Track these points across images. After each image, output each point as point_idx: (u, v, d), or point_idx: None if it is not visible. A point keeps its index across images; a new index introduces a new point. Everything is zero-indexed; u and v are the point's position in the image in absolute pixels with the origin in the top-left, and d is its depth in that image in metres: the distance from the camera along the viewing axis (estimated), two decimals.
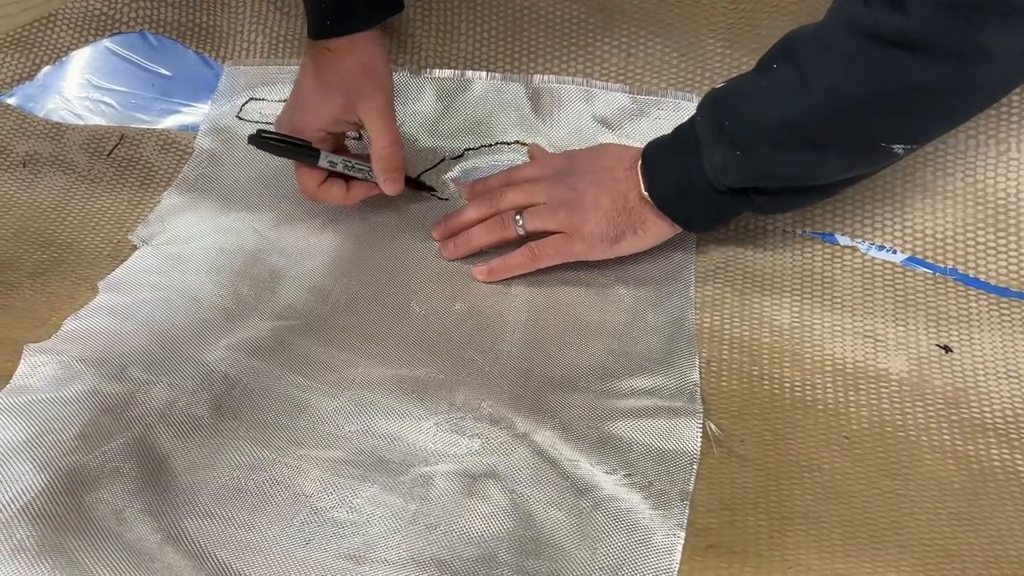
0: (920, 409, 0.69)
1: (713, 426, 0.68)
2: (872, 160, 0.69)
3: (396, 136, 0.79)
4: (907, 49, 0.60)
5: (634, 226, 0.76)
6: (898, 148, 0.65)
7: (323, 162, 0.78)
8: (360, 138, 0.89)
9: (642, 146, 0.76)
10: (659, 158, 0.74)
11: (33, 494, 0.58)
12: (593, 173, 0.77)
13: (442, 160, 0.90)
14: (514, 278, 0.80)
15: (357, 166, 0.80)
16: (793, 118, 0.66)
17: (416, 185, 0.86)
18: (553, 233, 0.77)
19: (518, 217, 0.78)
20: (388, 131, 0.78)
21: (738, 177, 0.70)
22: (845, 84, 0.63)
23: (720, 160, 0.69)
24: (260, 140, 0.76)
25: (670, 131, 0.75)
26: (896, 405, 0.70)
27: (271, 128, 0.79)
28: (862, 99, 0.63)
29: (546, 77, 0.90)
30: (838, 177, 0.70)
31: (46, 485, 0.59)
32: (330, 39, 0.77)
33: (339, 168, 0.79)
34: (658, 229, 0.76)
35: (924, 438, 0.67)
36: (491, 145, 0.90)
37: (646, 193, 0.74)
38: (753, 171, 0.69)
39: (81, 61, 0.96)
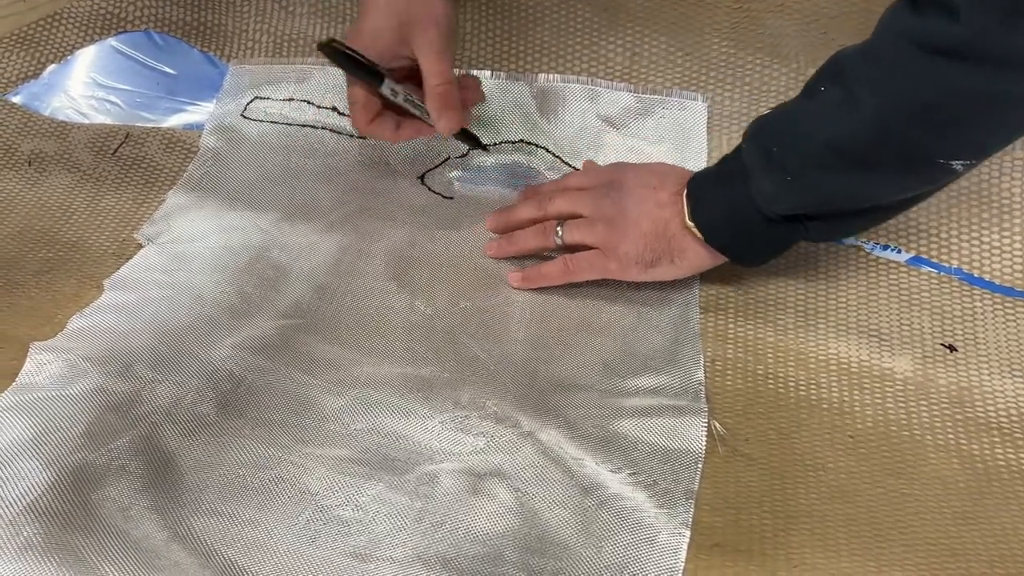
0: (925, 408, 0.69)
1: (718, 425, 0.68)
2: (930, 178, 0.65)
3: (450, 74, 0.75)
4: (963, 60, 0.57)
5: (671, 253, 0.74)
6: (957, 164, 0.62)
7: (385, 88, 0.75)
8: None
9: (691, 168, 0.76)
10: (705, 188, 0.72)
11: (39, 492, 0.58)
12: (637, 191, 0.75)
13: (447, 159, 0.90)
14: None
15: (416, 102, 0.77)
16: (843, 139, 0.63)
17: (468, 137, 0.82)
18: (591, 247, 0.76)
19: (558, 228, 0.77)
20: (441, 69, 0.75)
21: (789, 204, 0.68)
22: (897, 100, 0.60)
23: (771, 188, 0.67)
24: (330, 49, 0.73)
25: (714, 163, 0.74)
26: (901, 404, 0.70)
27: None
28: (916, 114, 0.60)
29: (551, 76, 0.90)
30: (894, 198, 0.67)
31: (52, 483, 0.59)
32: None
33: (399, 99, 0.76)
34: (697, 260, 0.74)
35: (929, 437, 0.68)
36: (496, 144, 0.90)
37: (691, 223, 0.72)
38: (804, 196, 0.67)
39: (86, 60, 0.96)
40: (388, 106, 0.78)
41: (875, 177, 0.64)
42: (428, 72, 0.75)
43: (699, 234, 0.72)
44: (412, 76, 0.77)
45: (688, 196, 0.72)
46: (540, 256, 0.80)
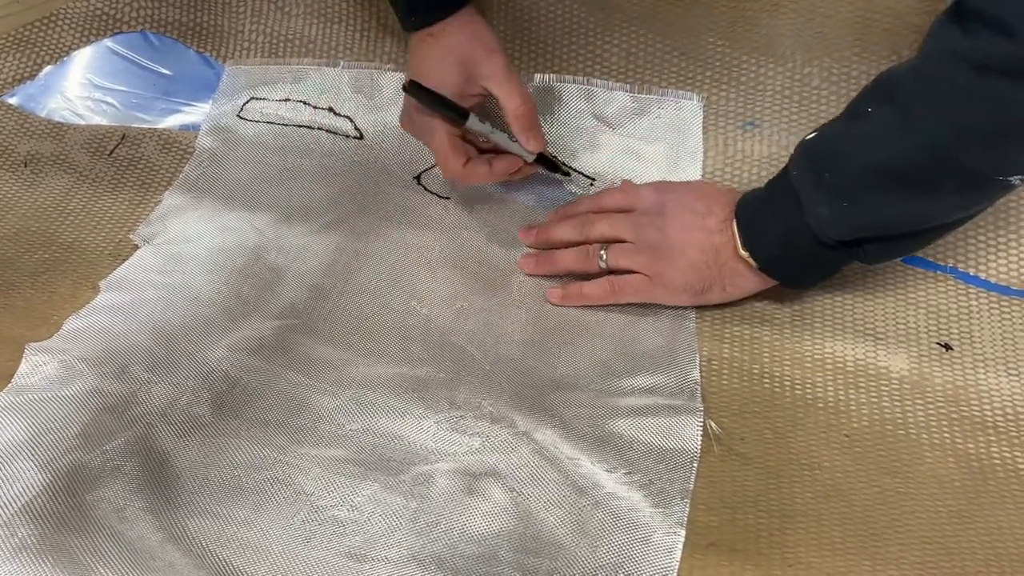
0: (920, 407, 0.69)
1: (713, 424, 0.68)
2: (988, 195, 0.65)
3: (527, 93, 0.78)
4: (1019, 77, 0.57)
5: (723, 281, 0.74)
6: (1015, 180, 0.62)
7: (472, 123, 0.77)
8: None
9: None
10: (757, 216, 0.72)
11: (34, 493, 0.58)
12: (683, 217, 0.75)
13: None
14: (517, 278, 0.80)
15: (500, 130, 0.79)
16: (898, 161, 0.63)
17: (546, 161, 0.83)
18: (635, 272, 0.76)
19: (602, 252, 0.76)
20: (518, 90, 0.77)
21: (847, 229, 0.67)
22: (953, 121, 0.60)
23: (826, 213, 0.67)
24: (415, 87, 0.75)
25: (763, 187, 0.73)
26: (896, 403, 0.70)
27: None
28: (973, 135, 0.60)
29: (547, 76, 0.89)
30: (953, 217, 0.67)
31: (47, 484, 0.59)
32: (432, 25, 0.77)
33: (486, 130, 0.78)
34: (748, 285, 0.74)
35: (924, 436, 0.68)
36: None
37: (745, 253, 0.71)
38: (861, 221, 0.66)
39: (82, 61, 0.96)
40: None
41: (933, 198, 0.64)
42: (506, 96, 0.77)
43: (753, 263, 0.71)
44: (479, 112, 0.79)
45: (739, 223, 0.72)
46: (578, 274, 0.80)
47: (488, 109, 0.82)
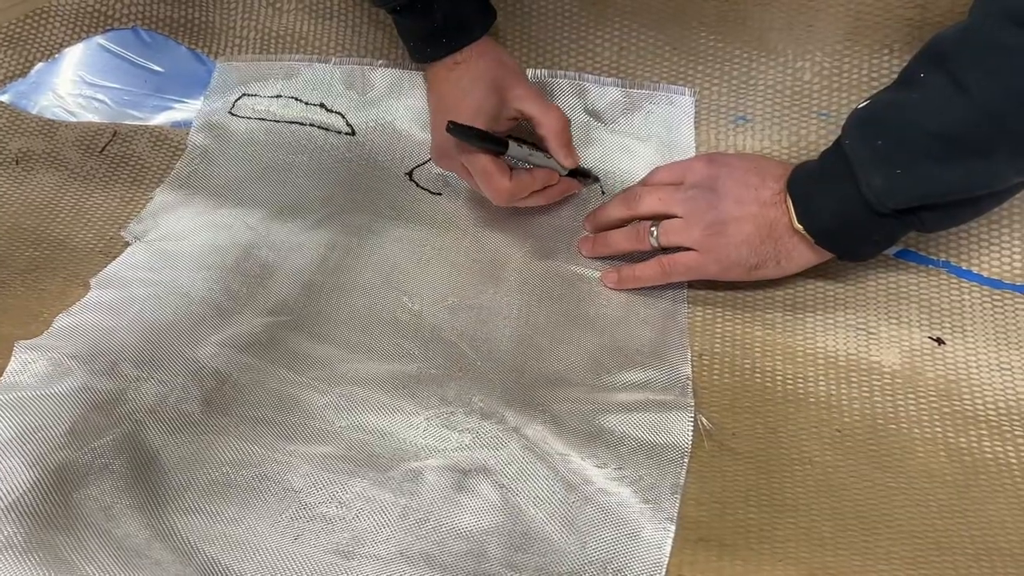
0: (912, 401, 0.69)
1: (704, 419, 0.67)
2: None
3: (561, 111, 0.79)
4: None
5: (777, 256, 0.73)
6: None
7: (513, 150, 0.76)
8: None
9: (784, 160, 0.75)
10: (810, 189, 0.70)
11: (22, 491, 0.58)
12: (736, 191, 0.73)
13: None
14: (508, 273, 0.80)
15: (535, 151, 0.79)
16: (953, 127, 0.62)
17: (580, 172, 0.83)
18: (688, 248, 0.75)
19: (653, 229, 0.76)
20: (552, 108, 0.79)
21: (903, 198, 0.65)
22: (1006, 83, 0.59)
23: (882, 183, 0.65)
24: (459, 129, 0.74)
25: (816, 159, 0.72)
26: (888, 398, 0.70)
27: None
28: None
29: (538, 71, 0.89)
30: (1011, 181, 0.65)
31: (35, 482, 0.59)
32: (456, 53, 0.80)
33: (524, 153, 0.78)
34: (804, 259, 0.73)
35: (916, 430, 0.67)
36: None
37: (799, 226, 0.70)
38: (918, 189, 0.65)
39: (74, 58, 0.96)
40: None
41: (990, 163, 0.63)
42: (542, 115, 0.78)
43: (809, 237, 0.71)
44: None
45: (793, 196, 0.71)
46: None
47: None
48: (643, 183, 0.80)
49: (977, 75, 0.60)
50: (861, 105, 0.69)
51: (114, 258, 0.80)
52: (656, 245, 0.76)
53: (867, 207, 0.67)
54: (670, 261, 0.75)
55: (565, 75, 0.89)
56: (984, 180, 0.64)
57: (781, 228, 0.71)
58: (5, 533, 0.56)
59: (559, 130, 0.78)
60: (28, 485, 0.58)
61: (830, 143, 0.70)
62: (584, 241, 0.82)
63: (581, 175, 0.84)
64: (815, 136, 0.83)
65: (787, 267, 0.74)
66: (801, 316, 0.75)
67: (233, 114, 0.93)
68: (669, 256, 0.75)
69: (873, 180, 0.66)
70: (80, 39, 0.96)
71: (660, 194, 0.76)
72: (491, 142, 0.75)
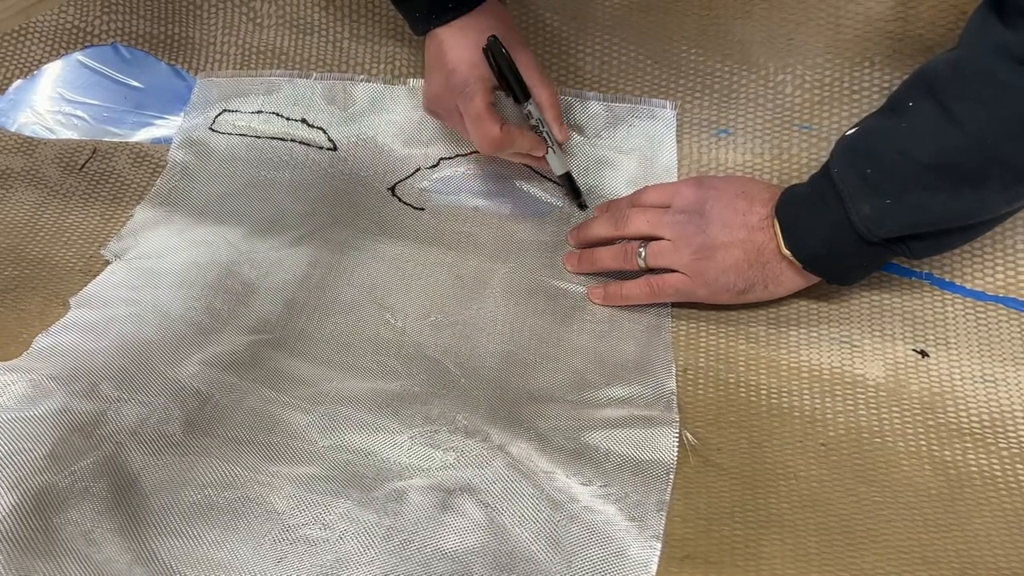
0: (897, 415, 0.69)
1: (689, 435, 0.67)
2: None
3: (553, 86, 0.81)
4: None
5: (766, 281, 0.73)
6: None
7: (529, 106, 0.79)
8: None
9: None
10: (799, 215, 0.71)
11: (1, 515, 0.57)
12: (725, 216, 0.73)
13: (417, 170, 0.90)
14: (491, 289, 0.79)
15: (542, 120, 0.81)
16: (943, 157, 0.63)
17: (572, 188, 0.86)
18: (676, 271, 0.75)
19: (641, 250, 0.76)
20: (549, 82, 0.81)
21: (893, 227, 0.66)
22: (997, 116, 0.60)
23: (870, 212, 0.66)
24: (496, 44, 0.76)
25: (804, 183, 0.72)
26: (873, 411, 0.70)
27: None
28: (1020, 128, 0.60)
29: None
30: (1002, 211, 0.66)
31: (14, 506, 0.58)
32: (463, 15, 0.79)
33: (534, 120, 0.80)
34: (791, 284, 0.74)
35: (901, 444, 0.67)
36: (466, 155, 0.89)
37: (787, 251, 0.71)
38: (908, 218, 0.66)
39: (53, 74, 0.96)
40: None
41: (979, 193, 0.63)
42: (540, 87, 0.80)
43: (797, 262, 0.71)
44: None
45: (781, 222, 0.71)
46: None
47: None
48: (631, 203, 0.80)
49: (967, 107, 0.61)
50: (849, 132, 0.69)
51: (94, 277, 0.80)
52: (644, 266, 0.76)
53: (856, 235, 0.67)
54: (659, 282, 0.75)
55: None
56: (975, 209, 0.65)
57: (769, 253, 0.72)
58: None
59: (553, 102, 0.80)
60: (7, 510, 0.57)
61: (812, 156, 0.71)
62: (570, 256, 0.82)
63: (574, 193, 0.85)
64: (797, 149, 0.83)
65: (775, 291, 0.74)
66: (785, 330, 0.75)
67: (214, 130, 0.93)
68: (658, 277, 0.75)
69: (862, 209, 0.66)
70: (59, 55, 0.96)
71: (648, 216, 0.76)
72: (519, 82, 0.78)
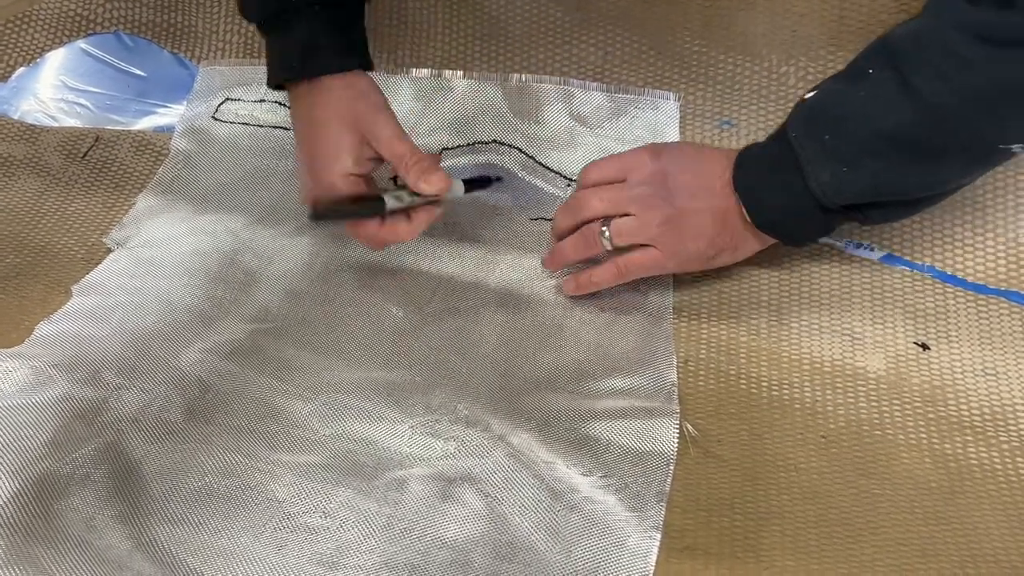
0: (897, 407, 0.69)
1: (690, 426, 0.67)
2: (992, 162, 0.66)
3: (411, 142, 0.72)
4: (1021, 47, 0.58)
5: (734, 245, 0.73)
6: (1017, 148, 0.62)
7: (390, 204, 0.72)
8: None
9: (721, 148, 0.76)
10: (758, 179, 0.70)
11: (3, 502, 0.57)
12: (689, 185, 0.72)
13: None
14: (493, 278, 0.80)
15: (408, 191, 0.73)
16: (902, 129, 0.63)
17: (475, 183, 0.78)
18: (643, 245, 0.73)
19: (604, 230, 0.73)
20: (408, 144, 0.72)
21: (850, 195, 0.67)
22: (956, 90, 0.60)
23: (829, 179, 0.66)
24: (318, 216, 0.71)
25: (760, 144, 0.72)
26: (873, 403, 0.69)
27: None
28: (977, 104, 0.60)
29: (523, 76, 0.89)
30: (958, 183, 0.67)
31: (15, 493, 0.58)
32: (324, 76, 0.73)
33: (405, 202, 0.72)
34: (754, 246, 0.74)
35: (901, 436, 0.67)
36: (469, 145, 0.89)
37: (747, 215, 0.71)
38: (863, 187, 0.66)
39: (55, 62, 0.96)
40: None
41: (936, 165, 0.64)
42: (397, 153, 0.72)
43: (754, 225, 0.71)
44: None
45: (739, 186, 0.71)
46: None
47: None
48: (581, 184, 0.78)
49: (926, 80, 0.61)
50: (808, 96, 0.69)
51: (96, 265, 0.80)
52: (609, 248, 0.74)
53: (813, 201, 0.68)
54: (625, 262, 0.74)
55: (550, 80, 0.89)
56: (930, 181, 0.66)
57: (733, 217, 0.72)
58: None
59: (413, 160, 0.71)
60: (9, 496, 0.57)
61: None
62: (547, 256, 0.80)
63: (478, 184, 0.79)
64: None
65: (740, 254, 0.74)
66: (786, 322, 0.75)
67: (216, 119, 0.93)
68: (624, 257, 0.74)
69: (821, 175, 0.66)
70: (62, 43, 0.96)
71: (604, 194, 0.74)
72: (366, 209, 0.72)
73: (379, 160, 0.74)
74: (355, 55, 0.74)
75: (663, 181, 0.73)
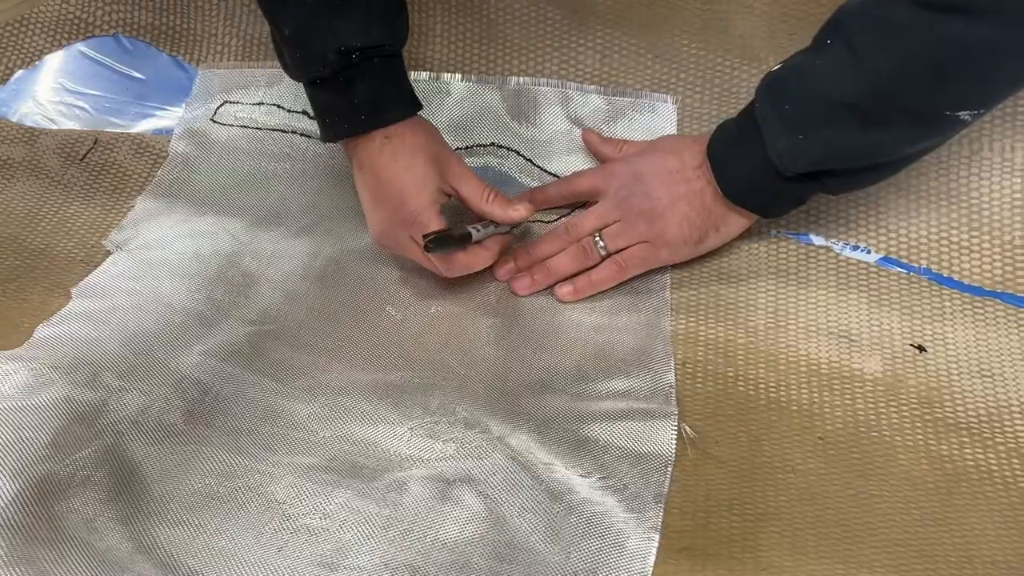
0: (894, 409, 0.69)
1: (688, 428, 0.68)
2: (939, 130, 0.67)
3: (477, 180, 0.77)
4: (963, 14, 0.58)
5: (716, 224, 0.76)
6: (965, 115, 0.63)
7: (477, 236, 0.76)
8: None
9: (697, 135, 0.77)
10: (726, 152, 0.74)
11: (3, 504, 0.57)
12: (662, 177, 0.76)
13: None
14: (490, 282, 0.80)
15: (488, 225, 0.78)
16: (850, 96, 0.65)
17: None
18: (636, 243, 0.77)
19: (597, 238, 0.78)
20: (477, 177, 0.77)
21: (805, 162, 0.69)
22: (899, 57, 0.62)
23: (785, 147, 0.69)
24: (437, 242, 0.72)
25: (732, 119, 0.75)
26: (870, 405, 0.70)
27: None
28: (919, 70, 0.62)
29: (521, 79, 0.89)
30: (907, 151, 0.68)
31: (16, 494, 0.58)
32: (385, 128, 0.74)
33: (490, 232, 0.78)
34: (738, 222, 0.77)
35: (898, 438, 0.68)
36: (467, 148, 0.90)
37: (720, 190, 0.74)
38: (816, 154, 0.68)
39: (54, 65, 0.96)
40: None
41: (885, 132, 0.65)
42: (475, 187, 0.76)
43: (726, 198, 0.74)
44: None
45: (712, 162, 0.74)
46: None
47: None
48: (566, 192, 0.83)
49: (869, 47, 0.63)
50: (774, 68, 0.71)
51: (96, 267, 0.80)
52: (604, 253, 0.78)
53: (773, 169, 0.70)
54: (624, 258, 0.77)
55: (548, 83, 0.89)
56: (881, 149, 0.67)
57: (709, 197, 0.75)
58: None
59: (493, 195, 0.76)
60: (9, 498, 0.58)
61: None
62: (520, 281, 0.79)
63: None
64: None
65: (726, 233, 0.77)
66: (784, 323, 0.76)
67: (215, 121, 0.93)
68: (622, 254, 0.78)
69: (778, 144, 0.69)
70: (61, 46, 0.96)
71: (595, 212, 0.79)
72: (461, 240, 0.75)
73: (448, 196, 0.77)
74: (416, 102, 0.76)
75: (637, 179, 0.78)
